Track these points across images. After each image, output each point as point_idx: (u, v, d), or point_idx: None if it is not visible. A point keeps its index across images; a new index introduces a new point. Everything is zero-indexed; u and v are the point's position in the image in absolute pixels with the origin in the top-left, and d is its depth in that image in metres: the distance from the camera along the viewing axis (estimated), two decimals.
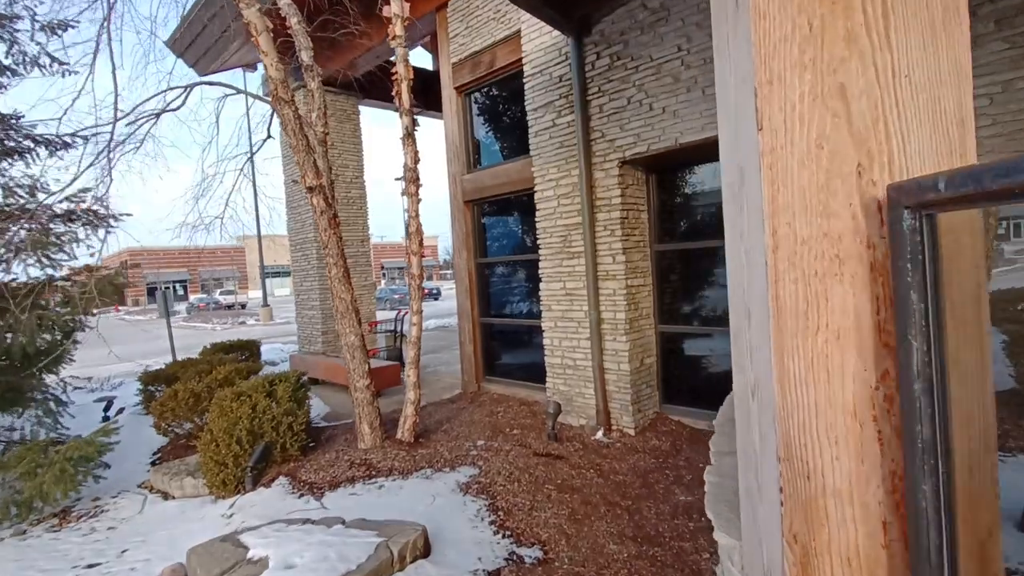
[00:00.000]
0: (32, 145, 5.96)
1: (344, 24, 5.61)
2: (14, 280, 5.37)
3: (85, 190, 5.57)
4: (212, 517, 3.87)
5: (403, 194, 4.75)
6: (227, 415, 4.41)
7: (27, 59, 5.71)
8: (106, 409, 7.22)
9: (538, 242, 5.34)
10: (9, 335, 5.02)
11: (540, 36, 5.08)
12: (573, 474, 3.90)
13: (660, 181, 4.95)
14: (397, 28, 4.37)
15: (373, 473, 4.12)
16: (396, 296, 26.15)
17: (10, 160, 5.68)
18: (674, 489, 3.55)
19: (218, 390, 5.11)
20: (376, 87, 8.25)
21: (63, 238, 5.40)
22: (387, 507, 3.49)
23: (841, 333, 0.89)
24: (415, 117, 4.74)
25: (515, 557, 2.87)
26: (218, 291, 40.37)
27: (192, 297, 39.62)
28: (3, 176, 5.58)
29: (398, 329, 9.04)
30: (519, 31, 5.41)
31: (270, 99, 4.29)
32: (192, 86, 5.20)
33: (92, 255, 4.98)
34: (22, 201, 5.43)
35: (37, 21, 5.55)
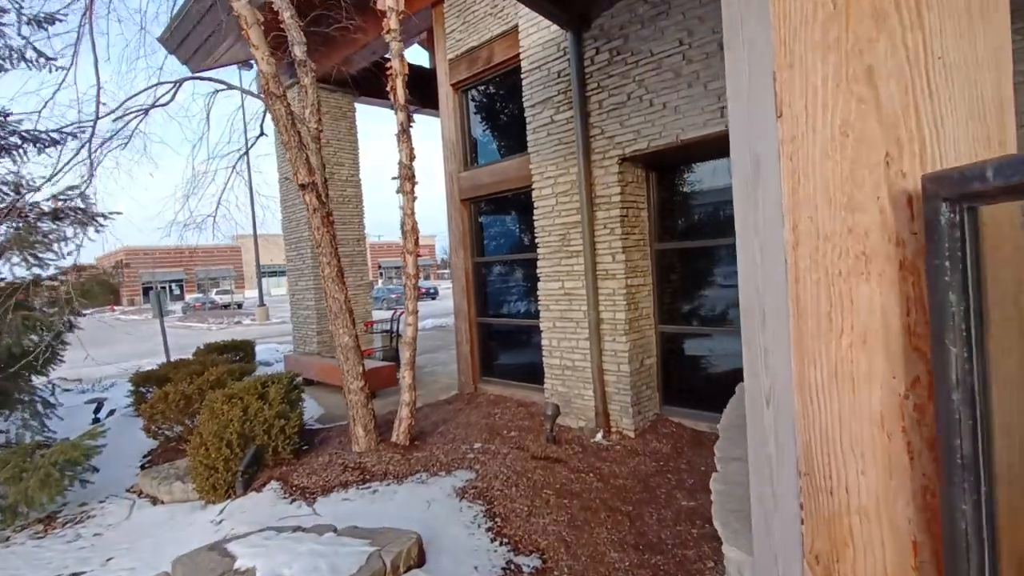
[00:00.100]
0: (19, 142, 5.83)
1: (338, 19, 5.51)
2: (0, 280, 5.25)
3: (72, 188, 5.44)
4: (201, 523, 3.77)
5: (398, 192, 4.65)
6: (217, 418, 4.30)
7: (13, 53, 5.59)
8: (96, 411, 7.09)
9: (536, 241, 5.25)
10: None
11: (538, 31, 4.98)
12: (572, 478, 3.81)
13: (660, 179, 4.87)
14: (392, 22, 4.27)
15: (367, 477, 4.03)
16: (393, 296, 26.04)
17: None
18: (676, 494, 3.47)
19: (209, 392, 5.01)
20: (372, 84, 8.15)
21: (50, 236, 5.28)
22: (381, 513, 3.40)
23: (867, 337, 0.82)
24: (410, 113, 4.64)
25: (513, 566, 2.78)
26: (214, 291, 40.14)
27: (188, 297, 39.41)
28: None
29: (394, 329, 8.94)
30: (516, 26, 5.32)
31: (262, 94, 4.18)
32: (181, 81, 5.09)
33: (69, 253, 4.85)
34: (7, 199, 5.30)
35: (23, 15, 5.42)
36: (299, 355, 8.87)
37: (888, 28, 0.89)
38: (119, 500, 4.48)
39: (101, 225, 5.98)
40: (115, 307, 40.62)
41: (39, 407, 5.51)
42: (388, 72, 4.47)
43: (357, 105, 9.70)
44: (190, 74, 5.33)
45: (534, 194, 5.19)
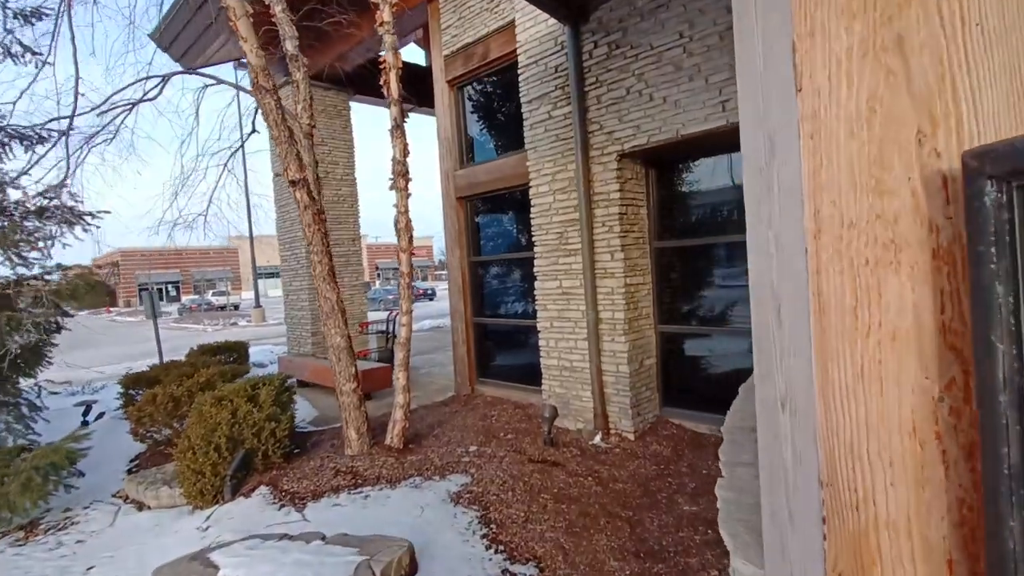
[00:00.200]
0: (5, 139, 5.71)
1: (332, 13, 5.41)
2: None
3: (59, 186, 5.32)
4: (187, 530, 3.65)
5: (392, 188, 4.55)
6: (206, 421, 4.19)
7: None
8: (85, 414, 6.95)
9: (533, 239, 5.15)
10: None
11: (535, 25, 4.89)
12: (570, 482, 3.71)
13: (660, 175, 4.78)
14: (384, 14, 4.18)
15: (359, 482, 3.92)
16: (390, 296, 25.91)
17: None
18: (677, 498, 3.37)
19: (199, 394, 4.89)
20: (368, 83, 8.04)
21: (35, 235, 5.16)
22: (372, 519, 3.29)
23: (897, 334, 0.74)
24: (404, 108, 4.54)
25: (508, 575, 2.68)
26: (210, 292, 39.93)
27: (185, 298, 39.18)
28: None
29: (390, 330, 8.83)
30: (513, 21, 5.23)
31: (251, 88, 4.08)
32: (169, 76, 4.97)
33: (50, 246, 4.69)
34: None
35: (8, 9, 5.30)
36: (293, 356, 8.75)
37: None
38: (104, 506, 4.36)
39: (89, 224, 5.86)
40: (111, 308, 40.37)
41: (24, 410, 5.38)
42: (382, 66, 4.37)
43: (355, 105, 9.60)
44: (178, 69, 5.21)
45: (531, 191, 5.10)
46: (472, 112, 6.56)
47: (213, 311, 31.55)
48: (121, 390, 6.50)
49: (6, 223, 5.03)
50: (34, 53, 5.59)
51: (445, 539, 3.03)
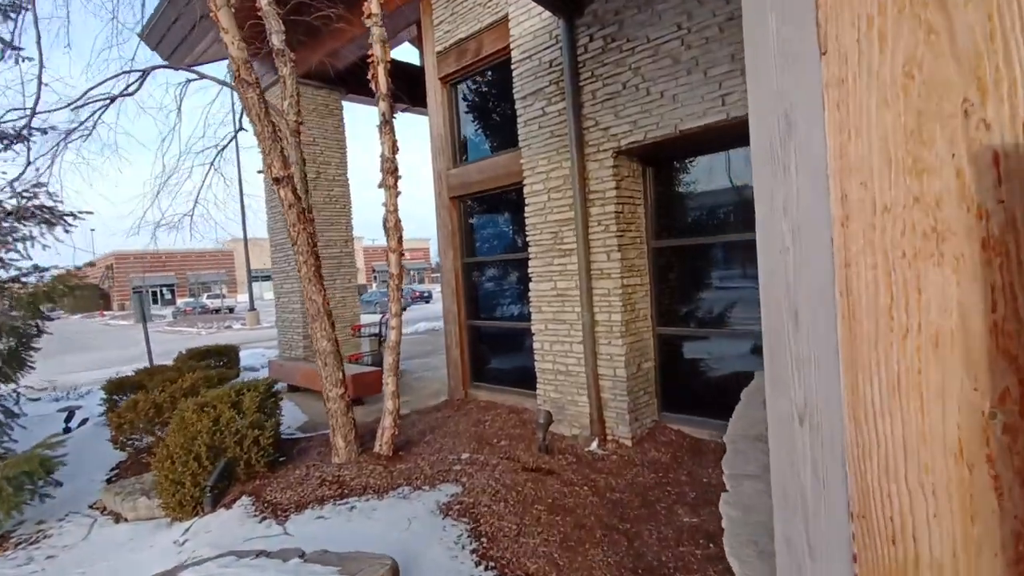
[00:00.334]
0: None
1: (320, 7, 5.27)
2: None
3: (36, 185, 5.15)
4: (164, 544, 3.49)
5: (380, 186, 4.40)
6: (186, 429, 4.02)
7: None
8: (67, 420, 6.76)
9: (527, 239, 5.01)
10: None
11: (529, 19, 4.76)
12: (565, 492, 3.56)
13: (658, 173, 4.65)
14: (372, 6, 4.04)
15: (345, 492, 3.75)
16: (387, 299, 25.68)
17: None
18: (677, 509, 3.23)
19: (182, 400, 4.72)
20: (361, 82, 7.88)
21: (12, 236, 4.98)
22: (356, 534, 3.12)
23: (940, 338, 0.65)
24: (393, 104, 4.40)
25: None
26: (205, 295, 39.67)
27: (179, 301, 38.91)
28: None
29: (383, 333, 8.67)
30: (506, 16, 5.10)
31: (233, 82, 3.93)
32: (149, 70, 4.82)
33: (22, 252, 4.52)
34: None
35: None
36: (284, 360, 8.57)
37: None
38: (80, 518, 4.18)
39: (70, 225, 5.70)
40: (104, 312, 40.04)
41: (0, 416, 5.19)
42: (370, 60, 4.23)
43: (350, 105, 9.47)
44: (159, 64, 5.05)
45: (525, 190, 4.96)
46: (465, 110, 6.42)
47: (208, 314, 31.30)
48: (104, 395, 6.33)
49: None
50: (14, 48, 5.43)
51: (432, 554, 2.88)
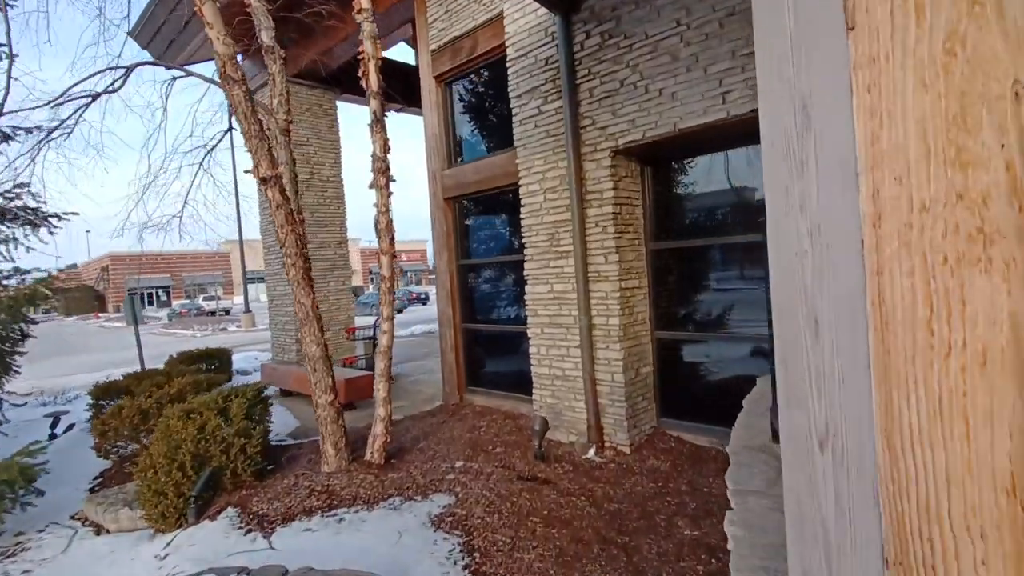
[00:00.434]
0: None
1: (311, 4, 5.15)
2: None
3: (20, 185, 5.02)
4: (144, 558, 3.35)
5: (371, 187, 4.28)
6: (170, 436, 3.88)
7: None
8: (53, 426, 6.61)
9: (523, 241, 4.89)
10: None
11: (524, 16, 4.65)
12: (562, 502, 3.43)
13: (656, 173, 4.53)
14: (363, 1, 3.92)
15: (334, 503, 3.62)
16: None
17: None
18: (677, 521, 3.10)
19: (168, 406, 4.58)
20: (356, 82, 7.78)
21: None
22: (344, 548, 2.99)
23: (988, 355, 0.57)
24: (384, 102, 4.28)
25: None
26: (201, 297, 39.44)
27: (175, 303, 38.65)
28: None
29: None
30: (501, 13, 4.99)
31: (218, 78, 3.80)
32: (133, 67, 4.69)
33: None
34: None
35: None
36: (277, 364, 8.43)
37: None
38: (61, 529, 4.04)
39: (55, 227, 5.56)
40: (99, 314, 39.76)
41: None
42: (360, 57, 4.11)
43: (346, 106, 9.35)
44: (143, 60, 4.92)
45: (521, 191, 4.84)
46: (461, 110, 6.31)
47: (203, 316, 31.09)
48: (91, 401, 6.18)
49: None
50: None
51: (422, 570, 2.75)
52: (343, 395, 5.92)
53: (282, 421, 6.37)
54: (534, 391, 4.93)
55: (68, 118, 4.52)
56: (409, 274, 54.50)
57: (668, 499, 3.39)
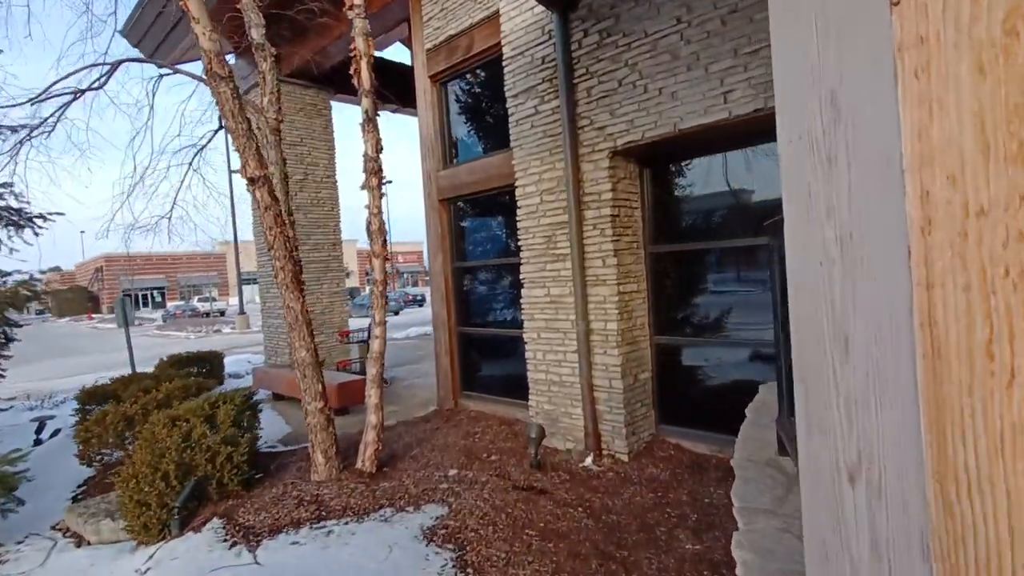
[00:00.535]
0: None
1: (304, 1, 5.04)
2: None
3: (4, 185, 4.88)
4: (125, 572, 3.22)
5: (363, 188, 4.17)
6: (154, 445, 3.76)
7: None
8: (38, 431, 6.46)
9: (519, 244, 4.79)
10: None
11: (521, 14, 4.56)
12: (559, 514, 3.33)
13: (655, 174, 4.44)
14: None
15: (323, 514, 3.50)
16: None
17: None
18: (678, 534, 3.00)
19: (155, 412, 4.45)
20: (350, 81, 7.69)
21: None
22: (331, 563, 2.88)
23: None
24: (376, 100, 4.17)
25: None
26: (196, 298, 39.16)
27: (170, 304, 38.36)
28: None
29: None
30: (498, 11, 4.89)
31: (205, 75, 3.69)
32: (117, 64, 4.57)
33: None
34: None
35: None
36: (269, 367, 8.29)
37: None
38: (40, 540, 3.90)
39: (40, 228, 5.43)
40: (92, 315, 39.41)
41: None
42: (352, 54, 4.01)
43: (342, 106, 9.23)
44: (127, 57, 4.79)
45: (517, 192, 4.74)
46: (456, 110, 6.21)
47: (198, 317, 30.83)
48: (78, 405, 6.03)
49: None
50: None
51: None
52: (335, 400, 5.80)
53: (273, 426, 6.24)
54: (530, 397, 4.83)
55: (50, 116, 4.40)
56: (405, 275, 54.28)
57: (668, 510, 3.29)
